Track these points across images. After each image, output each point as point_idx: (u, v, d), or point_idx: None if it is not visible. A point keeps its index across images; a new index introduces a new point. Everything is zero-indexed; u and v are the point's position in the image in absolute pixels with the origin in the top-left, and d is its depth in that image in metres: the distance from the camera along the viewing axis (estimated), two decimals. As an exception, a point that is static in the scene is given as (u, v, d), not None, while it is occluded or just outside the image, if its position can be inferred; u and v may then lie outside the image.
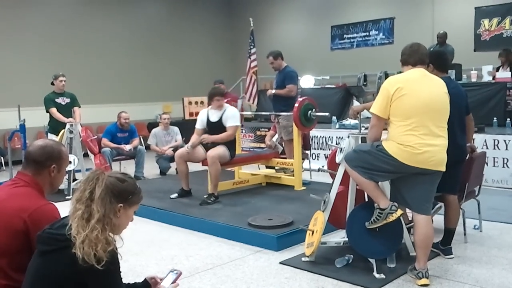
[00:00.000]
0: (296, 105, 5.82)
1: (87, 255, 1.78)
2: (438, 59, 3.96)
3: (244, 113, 7.00)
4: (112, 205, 1.94)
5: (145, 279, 2.26)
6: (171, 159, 8.14)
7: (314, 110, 5.94)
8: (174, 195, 5.77)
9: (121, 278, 1.98)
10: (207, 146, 5.74)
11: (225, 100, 6.18)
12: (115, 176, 2.00)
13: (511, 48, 8.30)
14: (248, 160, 6.17)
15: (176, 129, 8.41)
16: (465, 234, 4.28)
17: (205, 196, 5.48)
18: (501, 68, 8.16)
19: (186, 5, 12.89)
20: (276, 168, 6.74)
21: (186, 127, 8.58)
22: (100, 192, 1.91)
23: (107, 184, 1.94)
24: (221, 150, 5.59)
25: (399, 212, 3.37)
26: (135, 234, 4.73)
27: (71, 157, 6.49)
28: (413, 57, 3.41)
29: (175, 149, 8.02)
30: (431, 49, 7.87)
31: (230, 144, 5.76)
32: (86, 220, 1.87)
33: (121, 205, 1.97)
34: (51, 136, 7.13)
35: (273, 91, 6.64)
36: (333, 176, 3.96)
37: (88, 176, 1.98)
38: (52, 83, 7.22)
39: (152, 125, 10.47)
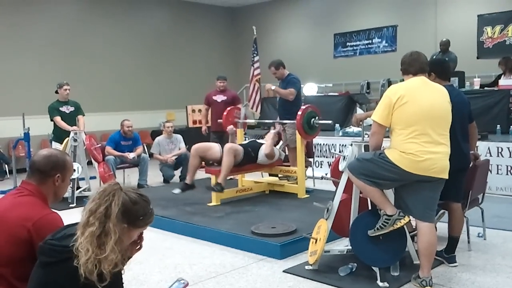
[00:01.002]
0: (300, 113, 5.83)
1: (90, 273, 1.74)
2: (439, 67, 3.97)
3: (247, 121, 7.00)
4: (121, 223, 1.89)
5: None
6: (175, 167, 8.16)
7: (317, 118, 5.95)
8: (177, 191, 5.84)
9: None
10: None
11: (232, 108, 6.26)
12: (129, 196, 1.91)
13: (511, 56, 8.32)
14: (252, 168, 6.18)
15: (179, 137, 8.43)
16: (469, 242, 4.27)
17: (213, 184, 5.62)
18: (503, 76, 8.16)
19: (189, 13, 12.96)
20: (279, 175, 6.74)
21: (189, 135, 8.62)
22: (117, 212, 1.84)
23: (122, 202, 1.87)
24: (239, 147, 5.70)
25: (407, 218, 3.37)
26: (139, 242, 4.73)
27: (75, 165, 6.50)
28: (413, 66, 3.43)
29: (178, 157, 8.03)
30: (434, 57, 7.89)
31: (248, 151, 5.89)
32: (98, 237, 1.79)
33: (125, 226, 1.88)
34: (55, 145, 7.17)
35: (273, 87, 6.63)
36: (336, 184, 3.96)
37: (105, 188, 1.89)
38: (56, 92, 7.26)
39: (155, 133, 10.50)
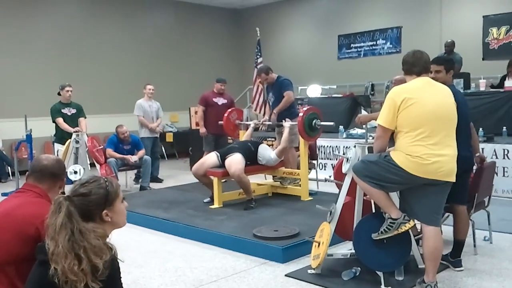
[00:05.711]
0: (301, 114, 5.78)
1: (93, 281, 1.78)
2: (454, 67, 3.96)
3: (249, 122, 6.95)
4: (94, 220, 1.90)
5: None
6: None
7: (318, 119, 5.89)
8: (207, 199, 5.89)
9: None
10: (224, 153, 5.83)
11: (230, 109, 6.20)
12: (79, 193, 1.92)
13: None
14: (255, 170, 6.12)
15: (157, 103, 8.61)
16: (475, 246, 4.20)
17: (247, 204, 5.64)
18: (507, 78, 8.09)
19: (192, 15, 12.93)
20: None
21: (192, 137, 8.58)
22: (78, 228, 1.82)
23: (71, 210, 1.85)
24: (239, 162, 5.62)
25: (412, 222, 3.31)
26: (140, 245, 4.69)
27: (77, 167, 6.49)
28: (417, 66, 3.34)
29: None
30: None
31: (249, 152, 5.87)
32: (78, 268, 1.78)
33: (105, 212, 1.93)
34: (57, 146, 7.16)
35: (275, 110, 6.55)
36: (339, 186, 3.91)
37: (52, 209, 1.88)
38: (59, 93, 7.24)
39: (160, 134, 10.43)
